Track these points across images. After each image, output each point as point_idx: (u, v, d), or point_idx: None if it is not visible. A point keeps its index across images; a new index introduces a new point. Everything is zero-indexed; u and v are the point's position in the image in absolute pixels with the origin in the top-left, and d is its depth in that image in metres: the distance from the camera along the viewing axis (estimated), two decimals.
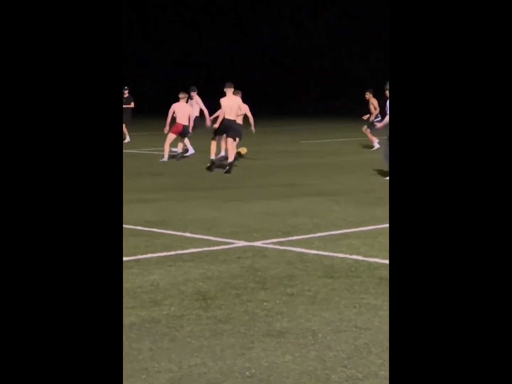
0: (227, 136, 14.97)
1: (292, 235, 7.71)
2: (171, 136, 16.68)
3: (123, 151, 16.30)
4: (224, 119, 14.79)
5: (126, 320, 4.88)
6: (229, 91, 15.02)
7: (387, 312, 4.95)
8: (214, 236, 7.72)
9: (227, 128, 14.80)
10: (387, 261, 6.40)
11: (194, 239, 7.59)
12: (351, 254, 6.76)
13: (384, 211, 9.10)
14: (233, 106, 14.84)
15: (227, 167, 14.25)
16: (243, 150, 14.14)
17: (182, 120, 16.63)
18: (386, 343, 4.36)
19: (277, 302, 5.29)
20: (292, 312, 5.04)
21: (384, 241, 7.24)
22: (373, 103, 20.01)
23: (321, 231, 7.92)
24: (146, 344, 4.45)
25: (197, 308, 5.15)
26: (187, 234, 7.79)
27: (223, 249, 7.11)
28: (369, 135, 20.34)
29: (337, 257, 6.69)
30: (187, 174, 14.12)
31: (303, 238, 7.57)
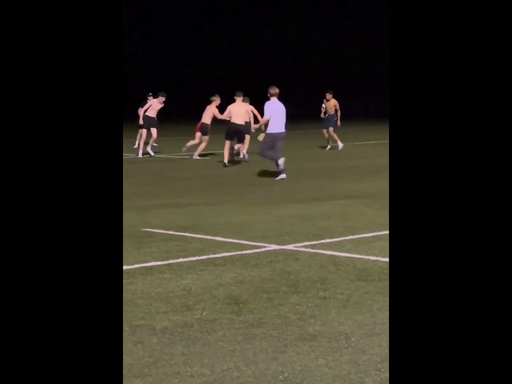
0: (237, 139, 17.17)
1: (323, 238, 7.68)
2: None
3: (153, 155, 16.26)
4: (232, 123, 16.72)
5: (158, 324, 4.88)
6: (238, 99, 17.17)
7: None
8: (246, 240, 7.71)
9: (235, 132, 16.85)
10: None
11: (226, 243, 7.58)
12: (383, 256, 6.71)
13: None
14: (241, 112, 16.85)
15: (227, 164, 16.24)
16: (261, 137, 15.04)
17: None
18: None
19: (310, 305, 5.26)
20: (325, 316, 5.01)
21: None
22: (336, 104, 21.50)
23: (352, 234, 7.88)
24: (179, 348, 4.44)
25: (229, 312, 5.14)
26: (219, 238, 7.79)
27: (254, 252, 7.09)
28: (335, 135, 21.52)
29: (369, 259, 6.65)
30: (216, 178, 14.14)
31: (334, 241, 7.54)
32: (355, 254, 6.88)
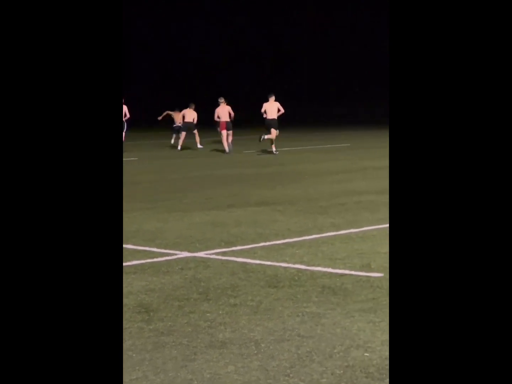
0: (272, 129, 22.25)
1: (235, 245, 7.69)
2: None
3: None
4: (266, 118, 22.30)
5: None
6: (271, 99, 22.26)
7: (329, 320, 4.97)
8: (157, 247, 7.66)
9: (270, 125, 22.21)
10: (329, 270, 6.43)
11: (137, 251, 7.52)
12: (294, 263, 6.77)
13: (328, 219, 9.16)
14: (273, 109, 22.22)
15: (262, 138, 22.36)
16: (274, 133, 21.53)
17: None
18: (328, 351, 4.37)
19: (220, 312, 5.26)
20: (235, 323, 5.02)
21: (327, 250, 7.28)
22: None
23: (264, 241, 7.92)
24: None
25: (139, 321, 5.10)
26: (129, 246, 7.72)
27: (165, 260, 7.06)
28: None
29: (280, 266, 6.69)
30: (130, 186, 14.02)
31: (246, 248, 7.56)
32: (266, 261, 6.92)
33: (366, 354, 4.32)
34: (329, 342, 4.54)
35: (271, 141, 22.24)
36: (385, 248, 7.16)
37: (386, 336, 4.54)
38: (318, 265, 6.64)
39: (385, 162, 17.56)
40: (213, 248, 7.54)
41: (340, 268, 6.45)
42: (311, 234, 8.24)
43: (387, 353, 4.25)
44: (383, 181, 13.34)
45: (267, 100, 22.27)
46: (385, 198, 10.90)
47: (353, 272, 6.29)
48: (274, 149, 22.09)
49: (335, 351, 4.38)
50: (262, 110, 22.28)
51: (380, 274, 6.15)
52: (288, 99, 36.67)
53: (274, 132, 22.15)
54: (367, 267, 6.44)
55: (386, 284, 5.79)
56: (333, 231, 8.36)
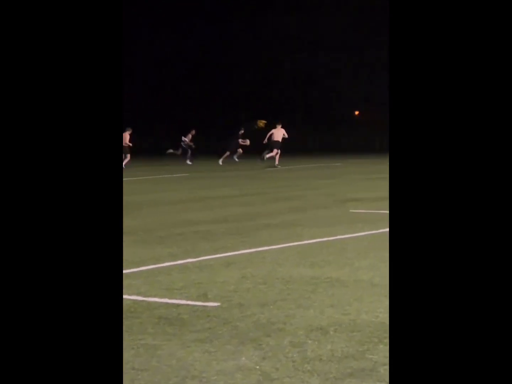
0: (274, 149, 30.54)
1: None
2: None
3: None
4: (273, 141, 30.55)
5: None
6: (278, 126, 30.80)
7: (165, 351, 4.92)
8: None
9: (274, 145, 30.47)
10: (166, 300, 6.38)
11: None
12: (130, 294, 6.67)
13: (165, 249, 9.11)
14: (279, 134, 30.53)
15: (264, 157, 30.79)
16: (262, 123, 30.61)
17: None
18: (163, 382, 4.32)
19: None
20: None
21: (164, 280, 7.23)
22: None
23: None
24: None
25: None
26: None
27: None
28: None
29: None
30: None
31: None
32: None
33: None
34: (164, 374, 4.49)
35: (272, 157, 30.25)
36: (222, 278, 7.20)
37: (221, 366, 4.55)
38: (155, 296, 6.57)
39: (224, 192, 17.77)
40: None
41: (176, 298, 6.41)
42: (148, 265, 8.15)
43: (222, 383, 4.26)
44: (221, 211, 13.45)
45: (274, 127, 30.91)
46: (223, 228, 11.00)
47: (189, 302, 6.27)
48: (277, 162, 29.96)
49: (170, 383, 4.34)
50: (269, 134, 30.55)
51: (216, 304, 6.16)
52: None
53: (275, 151, 30.26)
54: (203, 297, 6.44)
55: (222, 313, 5.81)
56: (170, 261, 8.32)
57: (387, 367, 4.39)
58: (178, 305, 6.18)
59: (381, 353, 4.65)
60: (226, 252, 8.79)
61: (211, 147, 45.58)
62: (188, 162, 33.66)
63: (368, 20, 54.38)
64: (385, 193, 16.61)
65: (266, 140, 30.94)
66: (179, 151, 35.14)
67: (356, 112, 60.31)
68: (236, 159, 33.57)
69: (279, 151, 30.41)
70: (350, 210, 13.19)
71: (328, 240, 9.56)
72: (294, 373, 4.37)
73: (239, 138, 34.16)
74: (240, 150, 34.19)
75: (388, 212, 12.82)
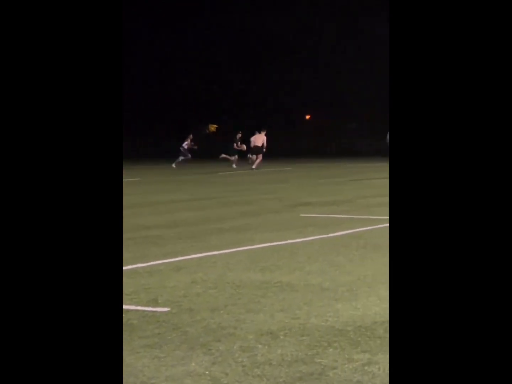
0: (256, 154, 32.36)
1: None
2: None
3: None
4: (255, 146, 32.27)
5: None
6: (262, 132, 32.50)
7: None
8: None
9: (257, 151, 32.19)
10: None
11: None
12: None
13: None
14: (259, 140, 32.24)
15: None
16: (213, 127, 31.47)
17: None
18: None
19: None
20: None
21: None
22: None
23: None
24: None
25: None
26: None
27: None
28: None
29: None
30: None
31: None
32: None
33: None
34: None
35: (251, 160, 32.22)
36: (172, 282, 7.17)
37: (170, 372, 4.52)
38: None
39: (175, 196, 17.71)
40: None
41: (126, 304, 6.36)
42: None
43: None
44: (171, 215, 13.41)
45: (259, 132, 32.52)
46: (173, 232, 10.96)
47: (139, 308, 6.23)
48: (254, 166, 31.45)
49: None
50: (252, 138, 32.43)
51: (166, 309, 6.13)
52: None
53: (257, 155, 32.11)
54: (153, 302, 6.40)
55: (172, 319, 5.78)
56: None
57: (336, 371, 4.41)
58: (127, 311, 6.13)
59: (330, 357, 4.68)
60: (177, 256, 8.76)
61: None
62: (173, 165, 33.97)
63: (319, 23, 54.73)
64: (336, 197, 16.73)
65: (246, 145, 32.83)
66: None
67: (307, 116, 60.61)
68: (234, 166, 33.45)
69: (259, 155, 32.11)
70: (301, 214, 13.25)
71: (278, 245, 9.58)
72: (244, 378, 4.37)
73: (235, 143, 34.30)
74: (234, 157, 34.22)
75: (338, 216, 12.80)
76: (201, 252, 9.01)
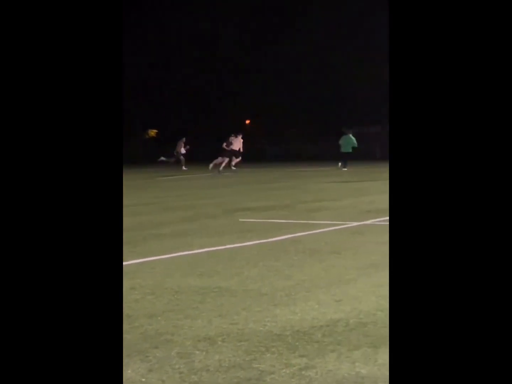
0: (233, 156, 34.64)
1: None
2: None
3: None
4: (232, 149, 33.94)
5: None
6: (238, 136, 34.39)
7: None
8: None
9: (232, 154, 34.14)
10: None
11: None
12: None
13: None
14: (238, 143, 34.12)
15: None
16: (153, 132, 25.23)
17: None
18: None
19: None
20: None
21: None
22: None
23: None
24: None
25: None
26: None
27: None
28: None
29: None
30: None
31: None
32: None
33: None
34: None
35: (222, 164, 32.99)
36: None
37: None
38: None
39: None
40: None
41: None
42: None
43: None
44: None
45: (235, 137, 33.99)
46: None
47: None
48: (221, 169, 32.25)
49: None
50: (230, 141, 33.81)
51: None
52: None
53: (232, 159, 33.97)
54: None
55: None
56: None
57: (274, 375, 4.42)
58: None
59: (268, 362, 4.68)
60: None
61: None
62: (184, 168, 35.70)
63: (257, 28, 54.98)
64: (275, 202, 16.78)
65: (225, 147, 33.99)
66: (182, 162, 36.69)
67: (247, 121, 60.76)
68: (220, 170, 33.23)
69: (227, 159, 33.69)
70: (240, 220, 13.26)
71: (217, 250, 9.57)
72: None
73: (228, 146, 34.77)
74: (221, 160, 34.70)
75: (277, 221, 12.86)
76: (139, 258, 8.95)
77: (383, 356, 4.66)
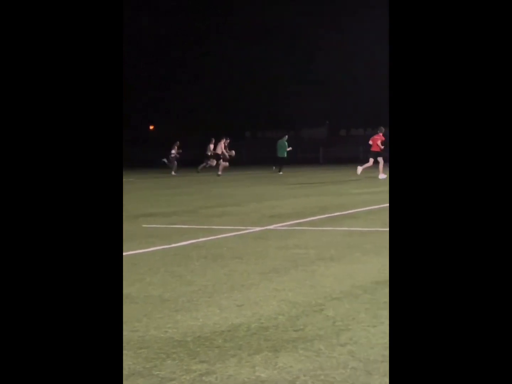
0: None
1: None
2: None
3: None
4: (216, 153, 35.88)
5: None
6: (222, 140, 35.99)
7: None
8: None
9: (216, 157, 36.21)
10: None
11: None
12: None
13: None
14: (219, 147, 35.66)
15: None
16: None
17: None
18: None
19: None
20: None
21: None
22: None
23: None
24: None
25: None
26: None
27: None
28: None
29: None
30: None
31: None
32: None
33: None
34: None
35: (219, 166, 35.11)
36: None
37: None
38: None
39: None
40: None
41: None
42: None
43: None
44: None
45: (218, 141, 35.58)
46: None
47: None
48: (220, 172, 34.21)
49: None
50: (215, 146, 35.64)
51: None
52: None
53: (214, 162, 35.60)
54: None
55: None
56: None
57: (174, 382, 4.39)
58: None
59: (168, 369, 4.65)
60: None
61: None
62: (173, 173, 36.55)
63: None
64: (178, 207, 16.73)
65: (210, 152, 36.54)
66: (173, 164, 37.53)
67: (151, 127, 60.39)
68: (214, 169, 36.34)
69: (215, 161, 36.41)
70: (143, 225, 13.15)
71: None
72: None
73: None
74: (211, 162, 37.06)
75: (180, 226, 12.82)
76: None
77: (283, 360, 4.69)
